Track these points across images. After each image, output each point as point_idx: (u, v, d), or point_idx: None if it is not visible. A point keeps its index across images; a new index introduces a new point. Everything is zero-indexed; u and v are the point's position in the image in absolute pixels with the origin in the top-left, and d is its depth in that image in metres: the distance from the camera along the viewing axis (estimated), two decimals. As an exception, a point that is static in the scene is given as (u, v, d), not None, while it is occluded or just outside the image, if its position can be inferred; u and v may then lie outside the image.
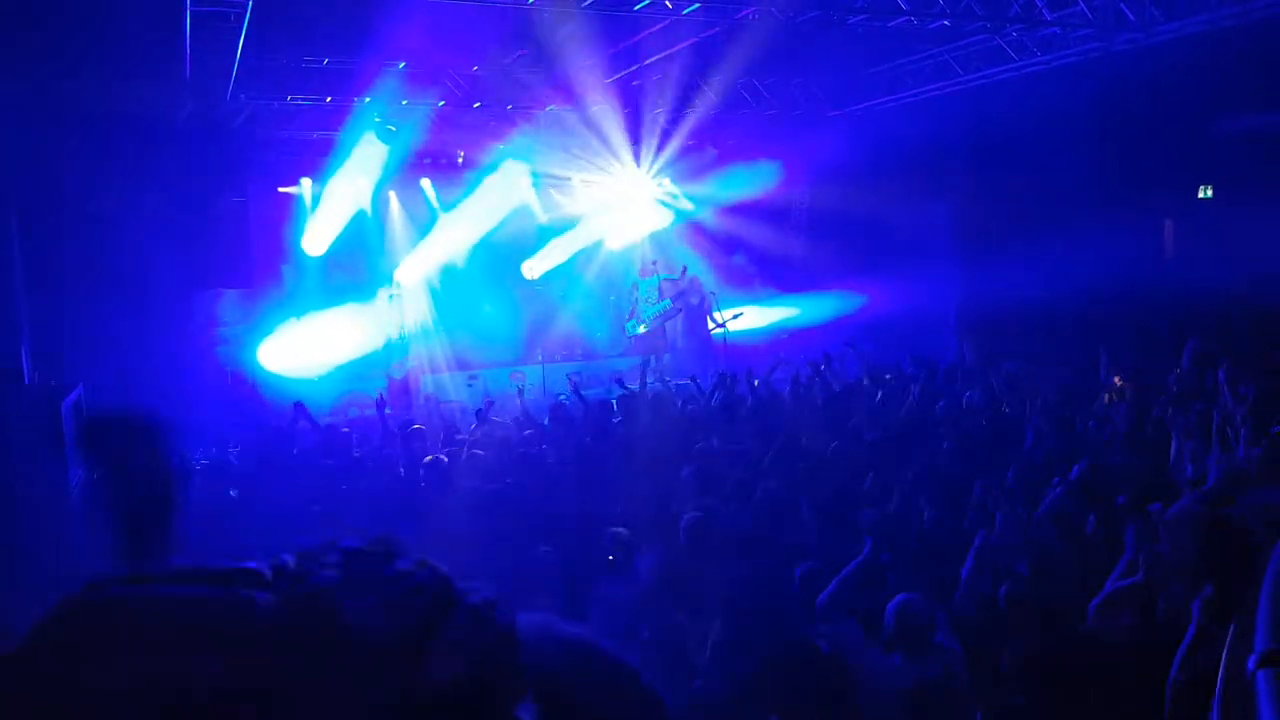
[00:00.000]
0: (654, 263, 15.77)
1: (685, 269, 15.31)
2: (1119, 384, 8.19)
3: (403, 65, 11.80)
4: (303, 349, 13.08)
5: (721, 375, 9.89)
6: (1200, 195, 11.61)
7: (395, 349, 13.67)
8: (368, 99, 12.36)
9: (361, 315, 13.78)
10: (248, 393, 12.15)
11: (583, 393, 9.68)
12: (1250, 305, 9.81)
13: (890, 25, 10.07)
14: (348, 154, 13.31)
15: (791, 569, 4.68)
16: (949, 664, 3.82)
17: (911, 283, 13.07)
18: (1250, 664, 2.20)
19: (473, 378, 14.16)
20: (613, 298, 16.25)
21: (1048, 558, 4.81)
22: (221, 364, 12.76)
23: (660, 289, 15.38)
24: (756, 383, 9.83)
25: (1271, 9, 8.94)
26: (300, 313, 13.23)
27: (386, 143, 13.14)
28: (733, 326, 14.70)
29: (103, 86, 9.47)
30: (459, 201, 14.66)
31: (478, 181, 14.52)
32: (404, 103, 12.72)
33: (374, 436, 8.95)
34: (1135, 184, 11.00)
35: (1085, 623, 3.95)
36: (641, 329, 15.23)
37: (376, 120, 12.85)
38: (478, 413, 9.16)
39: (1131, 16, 10.06)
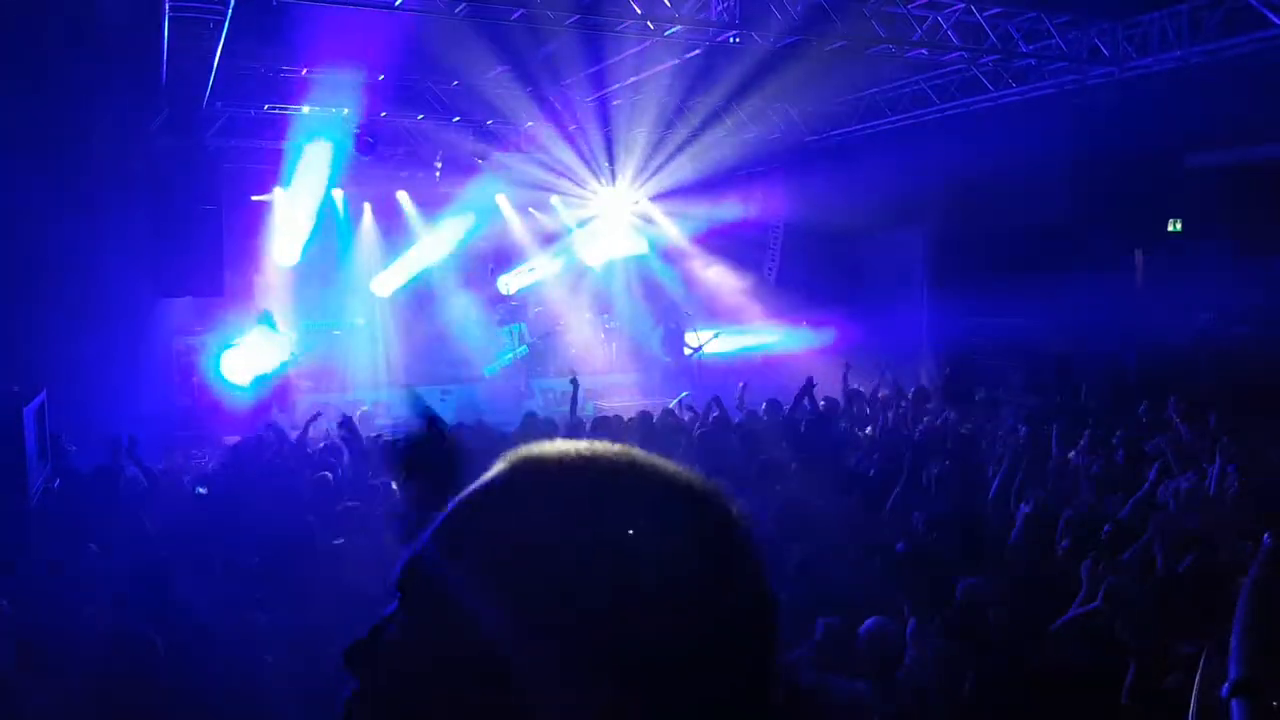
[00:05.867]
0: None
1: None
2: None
3: (382, 78, 11.75)
4: (267, 360, 12.87)
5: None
6: (1170, 228, 11.78)
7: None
8: (346, 110, 12.29)
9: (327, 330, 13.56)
10: (210, 402, 11.96)
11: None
12: (1212, 336, 9.96)
13: (869, 52, 10.16)
14: (298, 160, 13.15)
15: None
16: (917, 694, 3.75)
17: (885, 310, 13.13)
18: (1224, 691, 2.20)
19: (445, 392, 14.05)
20: (589, 316, 16.24)
21: (1017, 584, 4.78)
22: (187, 372, 12.55)
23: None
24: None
25: (1240, 49, 9.13)
26: (269, 323, 13.04)
27: (364, 154, 13.01)
28: (708, 349, 14.72)
29: (76, 91, 9.33)
30: (436, 215, 14.57)
31: (456, 196, 14.46)
32: (383, 115, 12.66)
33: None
34: (1107, 215, 11.14)
35: (1046, 650, 3.92)
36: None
37: (355, 132, 12.76)
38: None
39: (1106, 51, 10.23)
